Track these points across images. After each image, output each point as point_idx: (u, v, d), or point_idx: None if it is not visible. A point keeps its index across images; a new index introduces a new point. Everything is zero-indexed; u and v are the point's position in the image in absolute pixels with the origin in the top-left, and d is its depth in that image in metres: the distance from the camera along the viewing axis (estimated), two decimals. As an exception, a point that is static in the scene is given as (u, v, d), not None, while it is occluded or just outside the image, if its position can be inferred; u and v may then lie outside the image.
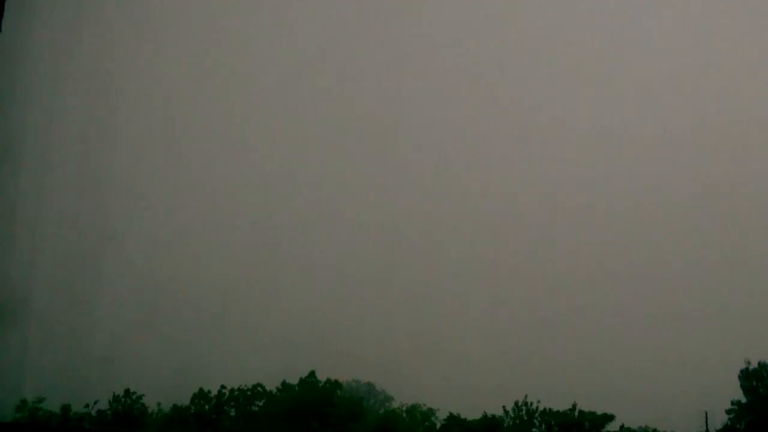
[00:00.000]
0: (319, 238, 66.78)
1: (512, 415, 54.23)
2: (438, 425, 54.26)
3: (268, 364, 55.59)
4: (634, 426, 53.34)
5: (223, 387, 53.09)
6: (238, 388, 52.99)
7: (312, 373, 53.12)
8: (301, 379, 53.10)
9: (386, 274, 64.92)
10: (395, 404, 62.00)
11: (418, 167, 71.21)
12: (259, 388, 53.08)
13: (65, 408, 49.81)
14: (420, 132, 72.66)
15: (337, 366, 55.01)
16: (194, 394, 52.31)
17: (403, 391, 58.94)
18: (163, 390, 52.89)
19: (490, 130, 72.99)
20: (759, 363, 50.14)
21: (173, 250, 63.21)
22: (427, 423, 55.05)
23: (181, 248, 63.57)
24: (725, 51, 72.45)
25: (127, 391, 52.23)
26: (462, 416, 53.69)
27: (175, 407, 52.33)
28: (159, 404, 52.79)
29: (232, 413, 52.83)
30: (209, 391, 52.84)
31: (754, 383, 50.01)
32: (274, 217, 66.51)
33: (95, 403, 50.61)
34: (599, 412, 53.21)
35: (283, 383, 53.20)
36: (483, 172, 71.68)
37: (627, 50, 75.01)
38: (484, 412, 53.73)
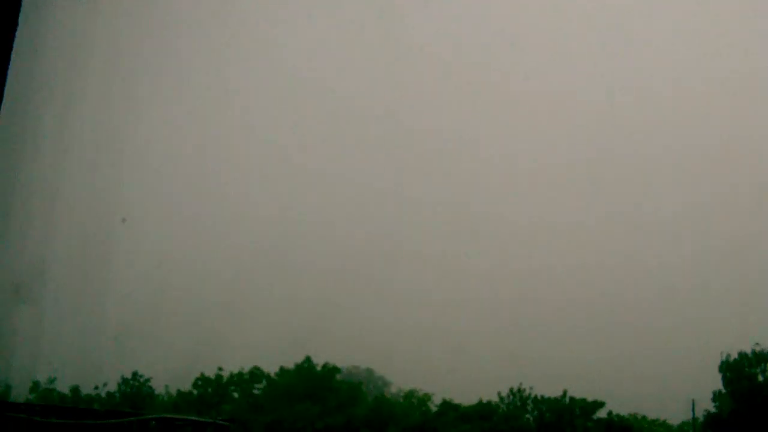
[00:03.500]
0: (322, 229, 67.85)
1: (506, 402, 54.93)
2: (434, 410, 55.01)
3: (272, 350, 56.38)
4: (623, 412, 53.56)
5: (231, 373, 54.13)
6: (238, 372, 53.96)
7: (308, 359, 53.84)
8: (296, 365, 53.76)
9: (386, 264, 65.89)
10: (393, 389, 63.11)
11: (419, 160, 72.17)
12: (257, 371, 54.07)
13: (75, 390, 50.63)
14: (424, 129, 73.55)
15: (338, 352, 55.96)
16: (196, 378, 53.29)
17: (402, 376, 59.88)
18: (173, 372, 53.96)
19: (491, 134, 74.01)
20: (739, 353, 50.57)
21: (185, 237, 64.39)
22: (423, 408, 55.83)
23: (192, 235, 64.76)
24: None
25: (135, 374, 53.29)
26: (458, 402, 54.22)
27: (179, 392, 53.32)
28: (167, 386, 53.94)
29: (236, 396, 53.85)
30: (219, 375, 53.75)
31: (735, 373, 50.29)
32: (280, 209, 67.48)
33: (104, 385, 51.69)
34: (590, 399, 53.74)
35: (281, 369, 53.97)
36: (482, 172, 72.68)
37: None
38: (480, 398, 54.45)
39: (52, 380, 50.28)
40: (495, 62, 75.37)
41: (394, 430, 51.73)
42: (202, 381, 53.73)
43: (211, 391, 53.46)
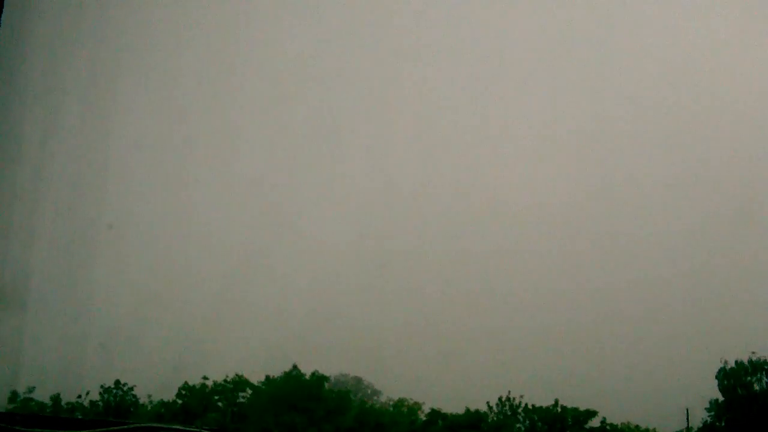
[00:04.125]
0: (310, 235, 67.35)
1: (496, 411, 54.52)
2: (423, 419, 54.51)
3: (259, 358, 55.78)
4: (616, 422, 53.42)
5: (214, 381, 53.28)
6: (222, 381, 53.18)
7: (295, 366, 53.30)
8: (284, 372, 53.21)
9: (376, 272, 65.50)
10: (383, 398, 62.61)
11: (408, 165, 71.89)
12: (240, 379, 53.15)
13: (55, 398, 49.64)
14: (411, 132, 73.36)
15: (326, 360, 55.48)
16: (180, 387, 52.49)
17: (391, 385, 59.50)
18: (156, 381, 53.21)
19: (484, 133, 73.77)
20: (736, 362, 50.45)
21: (171, 243, 63.75)
22: (413, 417, 55.35)
23: (178, 241, 64.12)
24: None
25: (117, 382, 52.42)
26: (447, 411, 53.83)
27: (162, 402, 52.49)
28: (150, 396, 52.98)
29: (220, 405, 53.05)
30: (204, 384, 52.99)
31: (732, 382, 50.27)
32: (266, 216, 67.02)
33: (87, 393, 50.72)
34: (582, 408, 53.44)
35: (267, 378, 53.27)
36: (473, 173, 72.44)
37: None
38: (467, 407, 54.03)
39: (31, 389, 49.43)
40: (494, 64, 75.26)
41: (381, 440, 51.32)
42: (186, 390, 52.88)
43: (196, 401, 52.62)
